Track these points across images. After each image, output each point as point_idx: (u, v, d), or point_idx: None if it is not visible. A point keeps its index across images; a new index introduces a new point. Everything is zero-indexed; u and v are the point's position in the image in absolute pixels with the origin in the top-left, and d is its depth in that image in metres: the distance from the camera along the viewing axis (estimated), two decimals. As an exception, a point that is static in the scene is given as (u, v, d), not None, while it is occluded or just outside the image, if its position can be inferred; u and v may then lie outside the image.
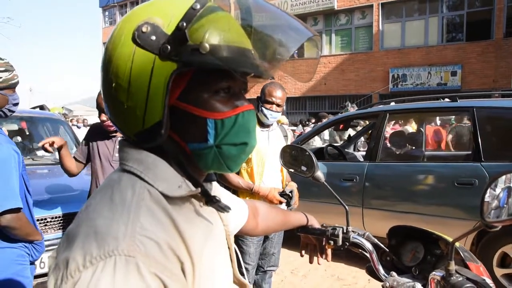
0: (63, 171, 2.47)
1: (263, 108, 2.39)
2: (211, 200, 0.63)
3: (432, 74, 13.69)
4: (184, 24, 0.54)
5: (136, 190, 0.55)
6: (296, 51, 0.72)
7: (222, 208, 0.64)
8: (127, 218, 0.51)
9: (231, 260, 0.75)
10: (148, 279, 0.48)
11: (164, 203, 0.56)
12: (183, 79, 0.57)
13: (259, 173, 2.41)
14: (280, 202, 2.40)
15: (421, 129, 5.40)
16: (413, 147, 5.22)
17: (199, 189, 0.59)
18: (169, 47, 0.54)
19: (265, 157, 2.41)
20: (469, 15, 13.65)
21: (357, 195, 3.87)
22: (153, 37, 0.54)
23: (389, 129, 6.41)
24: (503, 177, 0.80)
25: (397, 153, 5.05)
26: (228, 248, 0.74)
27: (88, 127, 2.97)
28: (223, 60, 0.54)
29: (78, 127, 10.95)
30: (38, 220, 2.65)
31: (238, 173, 2.44)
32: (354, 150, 5.76)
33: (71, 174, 2.47)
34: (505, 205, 0.77)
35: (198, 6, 0.55)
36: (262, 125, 2.47)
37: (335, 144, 5.70)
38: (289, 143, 2.66)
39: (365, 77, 15.05)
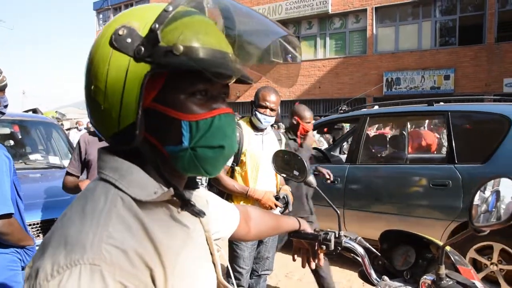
0: (56, 175, 2.45)
1: (257, 112, 2.40)
2: (185, 204, 0.63)
3: (426, 78, 13.80)
4: (157, 25, 0.55)
5: (109, 198, 0.56)
6: (290, 56, 0.72)
7: (196, 213, 0.64)
8: (96, 227, 0.52)
9: (214, 265, 0.74)
10: (112, 287, 0.48)
11: (136, 210, 0.56)
12: (159, 81, 0.57)
13: (253, 177, 2.41)
14: (275, 206, 2.41)
15: (404, 132, 5.56)
16: (395, 150, 5.39)
17: (172, 191, 0.59)
18: (143, 49, 0.55)
19: (259, 161, 2.41)
20: (461, 19, 13.79)
21: (339, 197, 3.97)
22: (129, 40, 0.55)
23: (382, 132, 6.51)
24: (491, 181, 0.81)
25: (378, 155, 5.18)
26: (211, 254, 0.74)
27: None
28: (196, 62, 0.54)
29: (79, 130, 10.78)
30: (30, 224, 2.62)
31: (232, 177, 2.44)
32: (340, 153, 5.83)
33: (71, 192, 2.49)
34: (493, 209, 0.78)
35: (171, 8, 0.55)
36: (256, 129, 2.47)
37: (319, 147, 5.81)
38: (283, 147, 2.67)
39: (359, 80, 15.13)
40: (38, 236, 2.68)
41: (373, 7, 14.90)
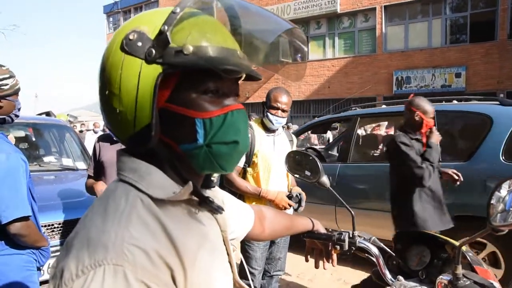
0: (70, 177, 2.49)
1: (268, 113, 2.40)
2: (204, 201, 0.64)
3: (436, 76, 13.64)
4: (166, 27, 0.56)
5: (129, 199, 0.57)
6: (298, 53, 0.73)
7: (215, 209, 0.65)
8: (117, 227, 0.53)
9: (230, 265, 0.75)
10: (135, 287, 0.49)
11: (156, 211, 0.58)
12: (171, 81, 0.58)
13: (265, 178, 2.41)
14: (289, 206, 2.40)
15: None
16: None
17: (191, 187, 0.60)
18: (153, 51, 0.56)
19: (271, 162, 2.42)
20: (472, 16, 13.60)
21: (331, 194, 3.99)
22: (139, 43, 0.57)
23: (383, 132, 6.63)
24: (508, 181, 0.80)
25: (369, 154, 5.27)
26: (228, 254, 0.75)
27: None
28: (206, 60, 0.56)
29: (95, 132, 10.84)
30: (45, 226, 2.67)
31: (244, 178, 2.45)
32: (338, 152, 5.96)
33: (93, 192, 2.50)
34: (511, 209, 0.77)
35: (178, 10, 0.57)
36: (268, 130, 2.48)
37: (314, 146, 5.90)
38: (294, 148, 2.66)
39: (369, 79, 15.02)
40: (53, 237, 2.72)
41: (382, 6, 14.78)
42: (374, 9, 14.98)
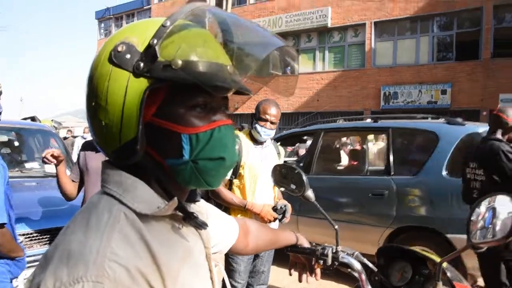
0: (52, 185, 2.42)
1: (256, 125, 2.40)
2: (188, 217, 0.63)
3: (423, 92, 13.90)
4: (155, 41, 0.55)
5: (113, 213, 0.56)
6: (289, 68, 0.73)
7: (199, 225, 0.64)
8: (99, 243, 0.52)
9: (212, 281, 0.74)
10: None
11: (140, 226, 0.56)
12: (158, 95, 0.57)
13: (251, 190, 2.40)
14: (274, 219, 2.39)
15: (364, 146, 5.97)
16: (353, 162, 5.85)
17: (176, 202, 0.59)
18: (142, 64, 0.55)
19: (258, 174, 2.41)
20: (458, 35, 13.97)
21: (294, 204, 4.12)
22: (128, 56, 0.56)
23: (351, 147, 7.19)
24: (487, 198, 0.81)
25: (331, 167, 5.49)
26: (210, 270, 0.73)
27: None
28: (195, 75, 0.55)
29: (84, 138, 10.64)
30: (23, 235, 2.59)
31: (230, 189, 2.43)
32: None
33: (68, 197, 2.41)
34: (490, 226, 0.78)
35: (168, 23, 0.56)
36: (256, 142, 2.47)
37: (285, 159, 6.21)
38: (282, 160, 2.66)
39: (357, 94, 15.23)
40: (31, 247, 2.64)
41: (372, 22, 15.09)
42: (364, 24, 15.27)
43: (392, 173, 3.75)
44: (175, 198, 0.59)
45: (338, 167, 5.66)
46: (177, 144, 0.58)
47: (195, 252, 0.67)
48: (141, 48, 0.56)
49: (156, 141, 0.59)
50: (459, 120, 3.81)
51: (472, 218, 0.81)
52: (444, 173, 3.48)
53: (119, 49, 0.56)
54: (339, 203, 4.08)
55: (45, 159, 2.24)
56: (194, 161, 0.58)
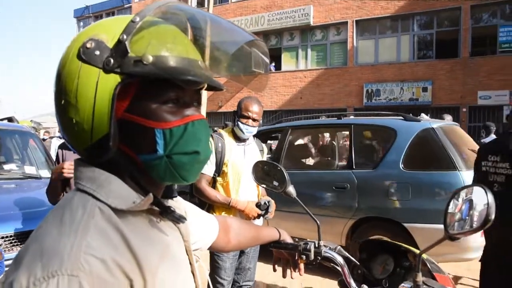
0: (32, 186, 2.38)
1: (239, 122, 2.40)
2: (165, 211, 0.62)
3: (405, 90, 14.15)
4: (124, 36, 0.55)
5: (87, 209, 0.55)
6: (261, 66, 0.73)
7: (177, 218, 0.63)
8: (74, 237, 0.51)
9: (193, 275, 0.74)
10: None
11: (116, 220, 0.56)
12: (130, 91, 0.57)
13: (235, 187, 2.40)
14: (258, 216, 2.39)
15: (334, 142, 6.23)
16: (321, 157, 6.12)
17: (151, 198, 0.58)
18: (112, 60, 0.55)
19: (241, 171, 2.41)
20: (438, 34, 14.27)
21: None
22: (97, 52, 0.55)
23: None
24: (465, 189, 0.83)
25: (299, 162, 5.64)
26: (190, 263, 0.73)
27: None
28: (166, 70, 0.55)
29: (60, 138, 10.46)
30: (3, 237, 2.53)
31: (214, 187, 2.43)
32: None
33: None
34: (467, 218, 0.80)
35: (138, 19, 0.56)
36: (238, 139, 2.47)
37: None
38: (265, 157, 2.67)
39: (340, 91, 15.39)
40: (11, 250, 2.59)
41: (354, 20, 15.26)
42: (346, 23, 15.44)
43: (354, 167, 3.98)
44: (150, 194, 0.58)
45: (306, 163, 5.83)
46: (151, 139, 0.58)
47: (174, 247, 0.66)
48: (110, 44, 0.56)
49: (128, 137, 0.58)
50: (423, 116, 4.09)
51: (449, 211, 0.83)
52: (401, 166, 3.69)
53: (88, 45, 0.56)
54: (306, 196, 4.12)
55: (64, 171, 2.16)
56: (169, 156, 0.58)
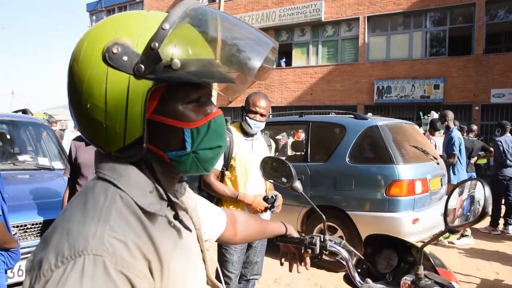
0: (45, 177, 2.44)
1: (247, 117, 2.42)
2: (177, 217, 0.66)
3: (416, 87, 13.99)
4: (156, 44, 0.56)
5: (108, 195, 0.59)
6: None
7: (185, 227, 0.67)
8: (97, 221, 0.55)
9: (204, 262, 0.77)
10: (115, 277, 0.51)
11: (134, 207, 0.59)
12: (157, 93, 0.60)
13: (243, 181, 2.43)
14: (265, 209, 2.42)
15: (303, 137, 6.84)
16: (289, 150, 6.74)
17: (166, 203, 0.63)
18: (142, 66, 0.57)
19: (249, 166, 2.43)
20: (451, 30, 14.05)
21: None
22: (125, 58, 0.57)
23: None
24: (468, 183, 0.84)
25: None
26: (201, 251, 0.77)
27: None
28: (195, 74, 0.58)
29: (73, 133, 10.50)
30: (18, 226, 2.61)
31: (222, 181, 2.46)
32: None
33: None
34: (468, 213, 0.81)
35: (168, 27, 0.57)
36: (246, 134, 2.50)
37: None
38: (272, 152, 2.69)
39: (351, 88, 15.28)
40: (26, 238, 2.66)
41: (365, 16, 15.11)
42: (358, 19, 15.29)
43: (308, 160, 4.44)
44: (165, 203, 0.63)
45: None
46: (180, 138, 0.62)
47: (187, 234, 0.69)
48: (137, 49, 0.57)
49: (156, 136, 0.62)
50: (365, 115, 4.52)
51: (449, 205, 0.84)
52: (347, 160, 4.14)
53: (114, 50, 0.57)
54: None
55: None
56: (195, 152, 0.63)
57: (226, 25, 0.65)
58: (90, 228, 0.54)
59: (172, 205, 0.65)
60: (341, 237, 3.82)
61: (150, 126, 0.60)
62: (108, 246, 0.53)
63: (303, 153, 4.64)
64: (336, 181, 4.16)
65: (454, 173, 5.38)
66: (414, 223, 3.88)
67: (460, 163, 5.41)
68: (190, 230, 0.69)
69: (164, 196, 0.63)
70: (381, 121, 4.27)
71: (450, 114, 5.55)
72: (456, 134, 5.42)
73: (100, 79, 0.57)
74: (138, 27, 0.59)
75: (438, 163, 4.55)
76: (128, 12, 0.64)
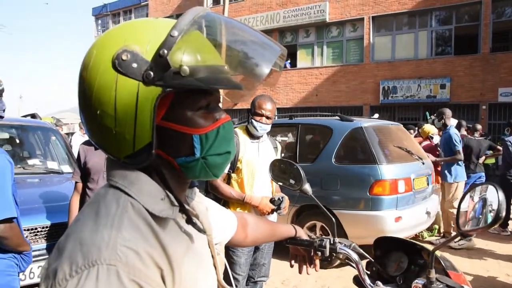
0: (55, 181, 2.47)
1: (253, 120, 2.43)
2: (190, 220, 0.66)
3: (422, 87, 13.90)
4: (165, 51, 0.57)
5: (120, 204, 0.60)
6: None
7: (199, 229, 0.67)
8: (110, 230, 0.56)
9: (215, 268, 0.78)
10: (128, 285, 0.52)
11: (146, 215, 0.60)
12: (166, 100, 0.60)
13: (250, 184, 2.43)
14: (272, 211, 2.42)
15: (285, 139, 6.71)
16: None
17: (178, 208, 0.63)
18: (152, 73, 0.57)
19: (255, 168, 2.44)
20: (457, 29, 13.95)
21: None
22: (134, 64, 0.57)
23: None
24: (479, 187, 0.84)
25: None
26: (212, 256, 0.77)
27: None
28: (204, 81, 0.58)
29: (82, 137, 10.45)
30: (28, 229, 2.63)
31: (229, 183, 2.47)
32: None
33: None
34: (480, 216, 0.81)
35: (176, 34, 0.58)
36: (252, 137, 2.51)
37: None
38: (278, 154, 2.70)
39: (356, 88, 15.23)
40: (36, 241, 2.68)
41: (370, 16, 15.06)
42: (362, 19, 15.24)
43: (297, 160, 4.51)
44: (176, 209, 0.63)
45: None
46: (189, 144, 0.62)
47: (198, 240, 0.70)
48: (146, 56, 0.58)
49: (165, 143, 0.62)
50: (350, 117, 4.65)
51: (461, 209, 0.84)
52: (333, 160, 4.31)
53: (124, 57, 0.57)
54: None
55: None
56: (204, 158, 0.63)
57: (234, 32, 0.66)
58: (103, 238, 0.55)
59: (183, 211, 0.65)
60: (326, 233, 4.16)
61: (159, 132, 0.60)
62: (121, 256, 0.53)
63: (292, 154, 4.79)
64: (323, 181, 4.31)
65: (450, 173, 5.24)
66: (397, 221, 4.02)
67: (458, 162, 5.27)
68: (204, 232, 0.69)
69: (176, 202, 0.63)
70: (366, 123, 4.44)
71: (448, 112, 5.47)
72: (454, 131, 5.34)
73: (109, 85, 0.58)
74: (146, 35, 0.60)
75: (423, 163, 4.63)
76: (136, 20, 0.64)
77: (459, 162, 5.27)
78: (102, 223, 0.57)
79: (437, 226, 5.50)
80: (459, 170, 5.27)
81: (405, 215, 4.10)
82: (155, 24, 0.62)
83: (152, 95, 0.58)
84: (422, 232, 5.08)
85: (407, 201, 4.20)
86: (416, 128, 7.42)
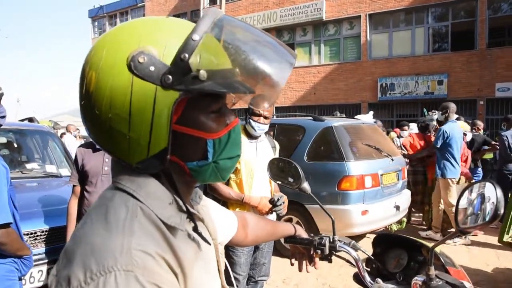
0: (53, 185, 2.46)
1: (250, 120, 2.43)
2: (196, 229, 0.65)
3: (420, 83, 13.92)
4: (186, 55, 0.55)
5: (130, 208, 0.58)
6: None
7: (204, 239, 0.66)
8: (122, 235, 0.54)
9: (218, 271, 0.77)
10: None
11: (156, 220, 0.59)
12: (180, 104, 0.58)
13: (248, 184, 2.43)
14: (271, 211, 2.42)
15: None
16: None
17: (186, 215, 0.63)
18: (170, 77, 0.55)
19: (254, 168, 2.44)
20: (453, 25, 13.97)
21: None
22: (152, 68, 0.55)
23: None
24: (477, 185, 0.84)
25: None
26: (217, 260, 0.77)
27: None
28: (222, 85, 0.57)
29: (74, 136, 10.36)
30: (27, 234, 2.62)
31: (227, 184, 2.46)
32: None
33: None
34: (479, 212, 0.81)
35: (197, 38, 0.56)
36: (250, 136, 2.50)
37: None
38: (277, 154, 2.70)
39: (354, 86, 15.24)
40: (36, 245, 2.68)
41: (367, 14, 15.06)
42: (359, 17, 15.25)
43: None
44: (184, 216, 0.63)
45: None
46: (202, 148, 0.62)
47: (205, 245, 0.69)
48: (164, 59, 0.56)
49: (178, 147, 0.60)
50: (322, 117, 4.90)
51: (459, 206, 0.84)
52: (305, 158, 4.53)
53: (140, 60, 0.55)
54: None
55: None
56: (216, 162, 0.63)
57: (250, 36, 0.64)
58: (116, 243, 0.53)
59: (190, 216, 0.64)
60: (299, 223, 4.32)
61: (173, 137, 0.58)
62: (138, 260, 0.52)
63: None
64: None
65: (440, 169, 5.15)
66: (364, 214, 4.26)
67: (454, 158, 5.13)
68: (210, 243, 0.68)
69: (184, 208, 0.62)
70: (337, 122, 4.68)
71: (453, 106, 5.31)
72: (447, 127, 5.16)
73: (124, 88, 0.55)
74: (162, 36, 0.57)
75: (392, 160, 4.84)
76: (147, 19, 0.62)
77: (450, 159, 5.12)
78: (113, 228, 0.55)
79: (405, 219, 5.47)
80: (448, 166, 5.13)
81: (372, 209, 4.33)
82: (168, 24, 0.60)
83: (169, 99, 0.56)
84: (391, 225, 5.13)
85: (374, 195, 4.43)
86: (416, 125, 7.40)
